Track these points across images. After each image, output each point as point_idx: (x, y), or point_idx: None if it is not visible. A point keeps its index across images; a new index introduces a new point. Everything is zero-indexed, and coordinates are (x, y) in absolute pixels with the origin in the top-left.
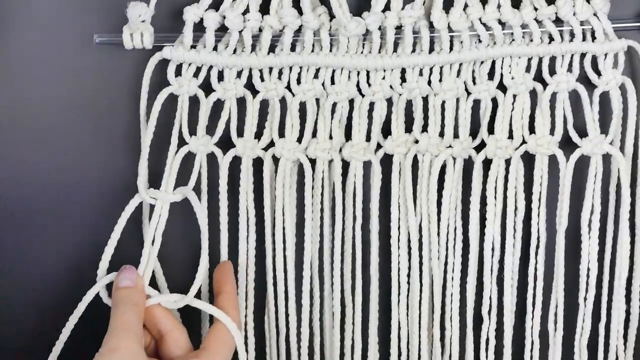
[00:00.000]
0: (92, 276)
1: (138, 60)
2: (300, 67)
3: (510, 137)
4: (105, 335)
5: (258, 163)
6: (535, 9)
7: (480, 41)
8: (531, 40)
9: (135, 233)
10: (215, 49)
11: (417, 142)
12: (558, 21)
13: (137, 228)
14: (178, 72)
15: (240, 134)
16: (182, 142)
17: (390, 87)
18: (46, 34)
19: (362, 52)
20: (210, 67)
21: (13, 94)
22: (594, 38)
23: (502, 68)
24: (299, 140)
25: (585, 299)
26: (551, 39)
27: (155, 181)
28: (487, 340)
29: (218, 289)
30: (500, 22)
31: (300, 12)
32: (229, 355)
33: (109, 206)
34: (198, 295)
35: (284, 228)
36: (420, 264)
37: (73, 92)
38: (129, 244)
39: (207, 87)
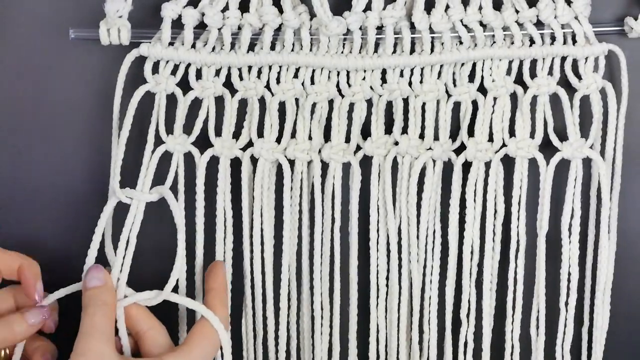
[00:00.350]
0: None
1: (114, 56)
2: (280, 66)
3: (491, 139)
4: (76, 339)
5: (236, 163)
6: (517, 12)
7: (461, 43)
8: (512, 43)
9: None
10: (193, 46)
11: (397, 143)
12: (539, 24)
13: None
14: (155, 69)
15: (218, 133)
16: (158, 141)
17: (371, 87)
18: (21, 28)
19: (342, 52)
20: (189, 65)
21: None
22: (574, 41)
23: (482, 70)
24: (278, 140)
25: (566, 303)
26: (532, 41)
27: (132, 180)
28: (466, 343)
29: (207, 287)
30: (481, 23)
31: (281, 11)
32: (211, 351)
33: (83, 205)
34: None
35: (262, 229)
36: (400, 266)
37: (48, 88)
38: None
39: (184, 85)
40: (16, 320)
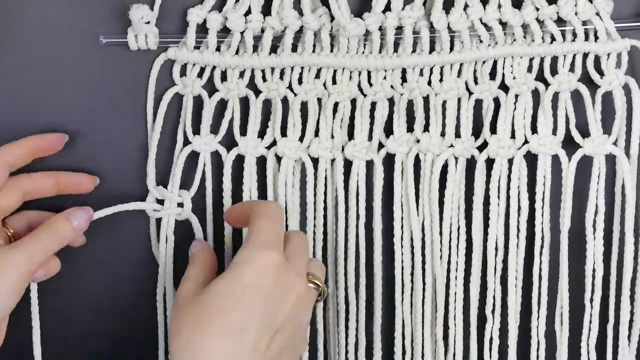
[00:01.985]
0: (98, 277)
1: (144, 60)
2: (302, 68)
3: (513, 136)
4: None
5: (262, 162)
6: (537, 9)
7: (481, 41)
8: (533, 40)
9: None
10: (218, 49)
11: (418, 141)
12: (560, 21)
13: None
14: (183, 72)
15: (243, 133)
16: (186, 142)
17: (391, 86)
18: (53, 35)
19: (362, 53)
20: (214, 68)
21: (20, 95)
22: (596, 38)
23: (503, 68)
24: (301, 139)
25: (591, 299)
26: (553, 38)
27: (160, 180)
28: (491, 339)
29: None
30: (501, 22)
31: (301, 13)
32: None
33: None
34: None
35: (287, 226)
36: (423, 263)
37: (80, 93)
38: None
39: (210, 87)
40: (60, 223)
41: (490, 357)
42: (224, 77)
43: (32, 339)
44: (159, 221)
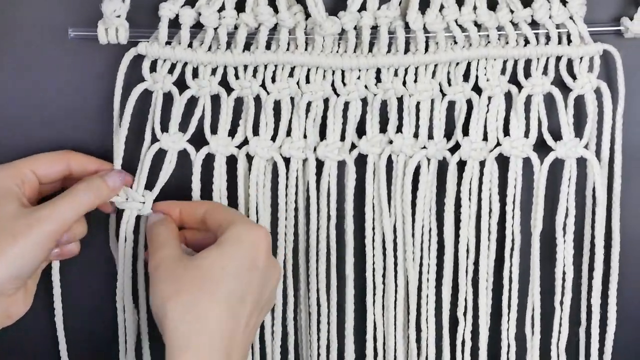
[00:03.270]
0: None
1: (113, 55)
2: (275, 66)
3: (485, 139)
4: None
5: (231, 161)
6: (512, 12)
7: (455, 42)
8: (507, 43)
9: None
10: (190, 45)
11: (391, 142)
12: (534, 24)
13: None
14: (153, 68)
15: (214, 131)
16: (155, 139)
17: (365, 87)
18: (20, 28)
19: (337, 52)
20: (185, 64)
21: None
22: (569, 41)
23: (477, 70)
24: (273, 138)
25: (561, 302)
26: (527, 41)
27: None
28: (463, 341)
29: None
30: (476, 23)
31: (276, 11)
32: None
33: None
34: None
35: None
36: (395, 264)
37: (47, 87)
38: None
39: (181, 84)
40: (96, 181)
41: (463, 359)
42: (195, 73)
43: (55, 319)
44: (118, 221)
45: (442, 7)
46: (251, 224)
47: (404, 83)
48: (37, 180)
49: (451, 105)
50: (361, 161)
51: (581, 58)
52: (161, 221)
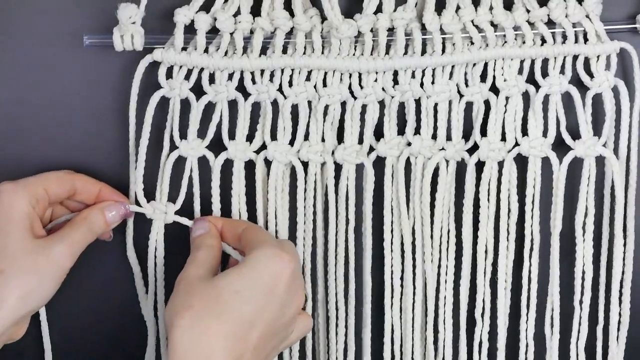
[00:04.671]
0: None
1: (128, 62)
2: (292, 70)
3: (503, 139)
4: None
5: (250, 166)
6: (528, 11)
7: (472, 43)
8: (523, 42)
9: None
10: (206, 51)
11: (409, 144)
12: (550, 23)
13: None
14: (169, 74)
15: (231, 137)
16: (173, 147)
17: (383, 89)
18: (35, 35)
19: (354, 54)
20: (202, 70)
21: (0, 95)
22: (586, 40)
23: (494, 70)
24: (291, 143)
25: (580, 302)
26: (543, 41)
27: (146, 187)
28: (481, 343)
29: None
30: (492, 24)
31: (292, 14)
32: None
33: None
34: None
35: (276, 231)
36: (414, 266)
37: (62, 94)
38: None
39: (198, 90)
40: (94, 216)
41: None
42: (212, 79)
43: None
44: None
45: (458, 7)
46: (278, 250)
47: (422, 85)
48: (48, 199)
49: (469, 106)
50: (379, 164)
51: (598, 56)
52: (205, 236)
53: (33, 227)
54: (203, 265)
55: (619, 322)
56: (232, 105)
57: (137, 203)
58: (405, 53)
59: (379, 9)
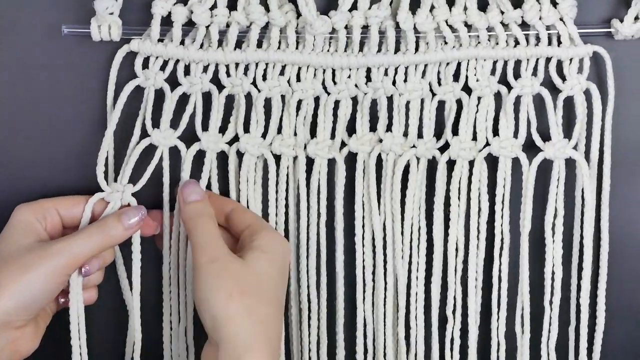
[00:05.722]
0: None
1: (106, 52)
2: (266, 64)
3: (474, 138)
4: (196, 247)
5: (222, 158)
6: (502, 12)
7: (446, 43)
8: (497, 44)
9: None
10: (182, 43)
11: (381, 141)
12: (524, 25)
13: None
14: (145, 65)
15: (205, 128)
16: (145, 135)
17: (356, 85)
18: (13, 25)
19: (328, 51)
20: (177, 61)
21: None
22: (559, 43)
23: (467, 70)
24: (264, 136)
25: (550, 302)
26: (517, 42)
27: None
28: (452, 340)
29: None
30: (466, 24)
31: (267, 9)
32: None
33: None
34: None
35: None
36: (385, 262)
37: (41, 84)
38: None
39: (173, 81)
40: (111, 221)
41: (452, 357)
42: (187, 71)
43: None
44: None
45: (432, 7)
46: (277, 233)
47: (394, 82)
48: (60, 219)
49: (441, 105)
50: (351, 159)
51: (571, 59)
52: (204, 204)
53: (34, 234)
54: (222, 242)
55: (595, 323)
56: (206, 97)
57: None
58: (379, 51)
59: (354, 7)
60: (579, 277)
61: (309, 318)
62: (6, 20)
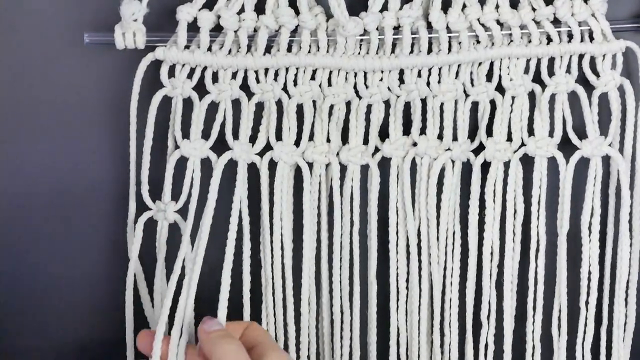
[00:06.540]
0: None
1: (130, 60)
2: (297, 68)
3: (509, 139)
4: None
5: (251, 167)
6: (534, 10)
7: (478, 42)
8: (530, 41)
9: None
10: (209, 49)
11: (415, 144)
12: (556, 22)
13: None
14: (171, 73)
15: (235, 137)
16: (176, 147)
17: (388, 88)
18: (35, 33)
19: (359, 53)
20: (205, 68)
21: (0, 94)
22: (592, 39)
23: (500, 69)
24: (296, 143)
25: (586, 302)
26: (549, 39)
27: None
28: (487, 345)
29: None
30: (498, 22)
31: (297, 12)
32: None
33: (97, 209)
34: None
35: (281, 234)
36: (419, 268)
37: (62, 93)
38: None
39: (201, 89)
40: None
41: None
42: (215, 78)
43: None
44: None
45: (464, 6)
46: (287, 354)
47: (428, 84)
48: None
49: (475, 106)
50: (385, 164)
51: (604, 55)
52: (228, 334)
53: None
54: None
55: (625, 322)
56: (236, 104)
57: (144, 204)
58: (411, 52)
59: (384, 7)
60: (612, 277)
61: (342, 329)
62: (27, 29)
